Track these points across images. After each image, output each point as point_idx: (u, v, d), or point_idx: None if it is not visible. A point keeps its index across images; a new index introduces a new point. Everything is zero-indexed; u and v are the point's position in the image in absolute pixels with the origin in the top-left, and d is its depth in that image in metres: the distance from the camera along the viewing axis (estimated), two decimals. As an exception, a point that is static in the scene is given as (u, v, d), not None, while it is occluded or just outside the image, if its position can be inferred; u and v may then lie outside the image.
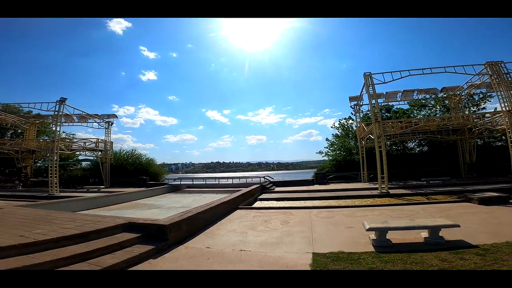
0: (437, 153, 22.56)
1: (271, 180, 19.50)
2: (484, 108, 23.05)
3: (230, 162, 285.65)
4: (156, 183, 21.68)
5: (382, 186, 13.91)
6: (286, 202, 13.07)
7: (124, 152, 28.79)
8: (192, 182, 19.31)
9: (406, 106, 26.09)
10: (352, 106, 23.46)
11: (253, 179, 19.28)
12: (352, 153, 25.59)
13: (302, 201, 13.07)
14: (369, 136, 18.97)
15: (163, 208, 11.65)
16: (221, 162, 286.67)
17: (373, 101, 15.57)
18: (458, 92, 20.87)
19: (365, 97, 18.58)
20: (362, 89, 18.07)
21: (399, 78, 15.42)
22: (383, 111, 25.91)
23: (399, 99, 23.20)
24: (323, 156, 29.60)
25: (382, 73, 15.55)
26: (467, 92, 20.41)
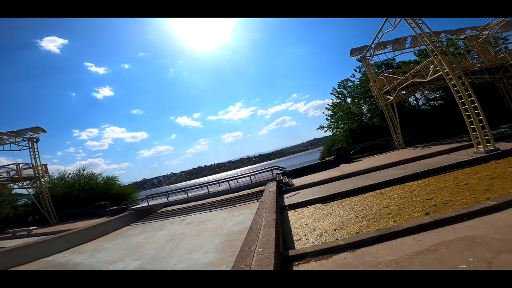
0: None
1: (285, 170, 13.46)
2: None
3: (211, 165, 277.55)
4: (122, 208, 14.57)
5: (487, 139, 8.46)
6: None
7: (67, 175, 21.20)
8: (167, 200, 12.42)
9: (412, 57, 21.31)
10: (359, 59, 17.96)
11: (252, 177, 13.05)
12: (363, 117, 20.47)
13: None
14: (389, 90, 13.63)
15: None
16: (203, 166, 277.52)
17: (425, 28, 9.69)
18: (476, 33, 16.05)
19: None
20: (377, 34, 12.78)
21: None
22: (383, 68, 20.90)
23: (409, 46, 17.84)
24: (325, 131, 24.20)
25: None
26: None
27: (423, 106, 19.98)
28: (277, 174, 12.68)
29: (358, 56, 17.73)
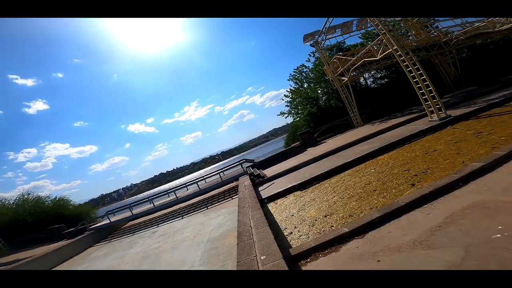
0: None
1: (254, 162, 12.97)
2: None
3: (174, 169, 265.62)
4: (80, 229, 12.48)
5: (438, 107, 9.10)
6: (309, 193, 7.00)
7: (8, 202, 18.09)
8: (131, 214, 10.91)
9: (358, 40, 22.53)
10: (313, 44, 18.23)
11: (220, 175, 12.34)
12: (319, 101, 21.11)
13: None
14: (340, 72, 14.16)
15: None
16: (165, 172, 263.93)
17: None
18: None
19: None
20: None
21: None
22: (334, 51, 21.76)
23: (355, 29, 18.72)
24: (286, 117, 24.45)
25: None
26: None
27: (372, 85, 21.39)
28: (246, 167, 12.16)
29: (311, 42, 17.99)
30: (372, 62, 13.14)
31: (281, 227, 5.19)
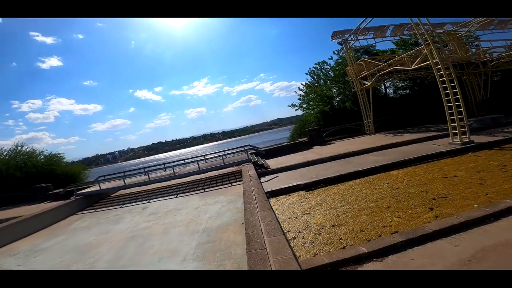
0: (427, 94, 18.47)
1: (259, 150, 12.54)
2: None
3: (173, 140, 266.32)
4: (67, 191, 11.86)
5: (463, 131, 8.58)
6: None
7: (1, 151, 17.23)
8: (124, 183, 10.50)
9: (389, 45, 21.34)
10: (340, 42, 17.18)
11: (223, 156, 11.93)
12: (333, 100, 20.40)
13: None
14: (364, 76, 13.42)
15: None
16: (163, 141, 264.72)
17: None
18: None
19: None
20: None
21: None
22: (360, 52, 20.60)
23: (389, 34, 17.37)
24: (296, 110, 23.78)
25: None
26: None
27: (392, 94, 20.62)
28: (250, 153, 11.73)
29: (340, 40, 16.97)
30: (400, 71, 12.41)
31: (283, 228, 4.84)
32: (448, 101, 8.57)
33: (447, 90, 8.35)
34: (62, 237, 6.30)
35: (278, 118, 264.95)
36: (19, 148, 17.26)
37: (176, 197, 8.54)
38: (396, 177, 7.07)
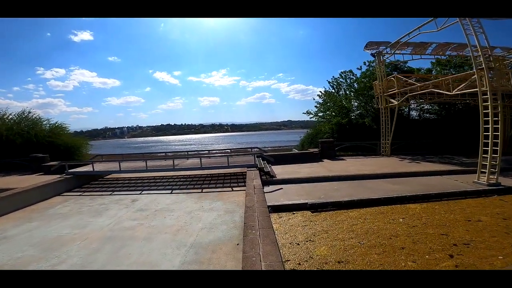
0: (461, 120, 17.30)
1: (268, 158, 11.86)
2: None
3: (182, 124, 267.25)
4: (60, 167, 11.06)
5: (492, 171, 7.72)
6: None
7: (7, 115, 16.72)
8: (119, 168, 9.91)
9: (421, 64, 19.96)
10: (374, 54, 16.00)
11: (230, 156, 11.31)
12: (350, 114, 19.45)
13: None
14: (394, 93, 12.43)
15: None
16: (172, 124, 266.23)
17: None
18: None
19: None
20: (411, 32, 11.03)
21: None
22: (390, 67, 19.33)
23: (430, 52, 15.95)
24: (311, 118, 22.92)
25: None
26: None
27: (416, 116, 19.51)
28: (256, 157, 11.10)
29: (374, 51, 15.86)
30: (434, 93, 11.44)
31: (282, 255, 4.23)
32: (486, 137, 7.70)
33: (488, 124, 7.46)
34: (34, 224, 5.70)
35: (288, 120, 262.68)
36: (25, 114, 16.93)
37: (171, 193, 7.98)
38: (413, 212, 6.34)
